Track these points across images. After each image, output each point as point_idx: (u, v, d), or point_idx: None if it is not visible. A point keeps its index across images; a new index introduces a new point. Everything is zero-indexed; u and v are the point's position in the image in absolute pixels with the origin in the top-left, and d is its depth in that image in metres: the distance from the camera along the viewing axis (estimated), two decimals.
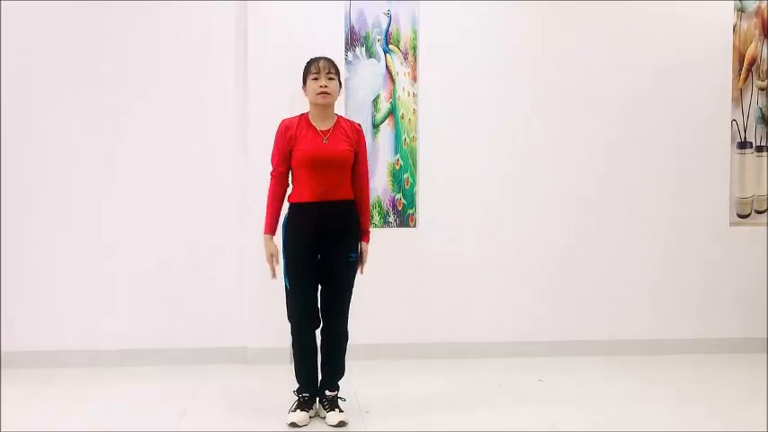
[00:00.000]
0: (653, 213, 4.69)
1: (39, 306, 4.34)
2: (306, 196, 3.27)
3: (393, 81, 4.54)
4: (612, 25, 4.63)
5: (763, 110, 4.79)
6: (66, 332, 4.35)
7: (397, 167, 4.56)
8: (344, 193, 3.33)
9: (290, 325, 3.40)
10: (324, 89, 3.27)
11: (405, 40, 4.53)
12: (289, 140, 3.31)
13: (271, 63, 4.34)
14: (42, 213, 4.34)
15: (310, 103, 3.35)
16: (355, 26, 4.50)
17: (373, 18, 4.51)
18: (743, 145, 4.78)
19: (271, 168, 3.39)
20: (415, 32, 4.53)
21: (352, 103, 4.49)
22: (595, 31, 4.63)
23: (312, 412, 3.39)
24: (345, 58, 4.45)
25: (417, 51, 4.53)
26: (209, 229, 4.43)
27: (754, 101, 4.77)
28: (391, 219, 4.55)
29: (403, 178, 4.57)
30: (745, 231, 4.77)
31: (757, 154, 4.80)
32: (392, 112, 4.55)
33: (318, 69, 3.28)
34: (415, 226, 4.58)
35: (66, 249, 4.35)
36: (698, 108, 4.69)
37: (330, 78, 3.29)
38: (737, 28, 4.73)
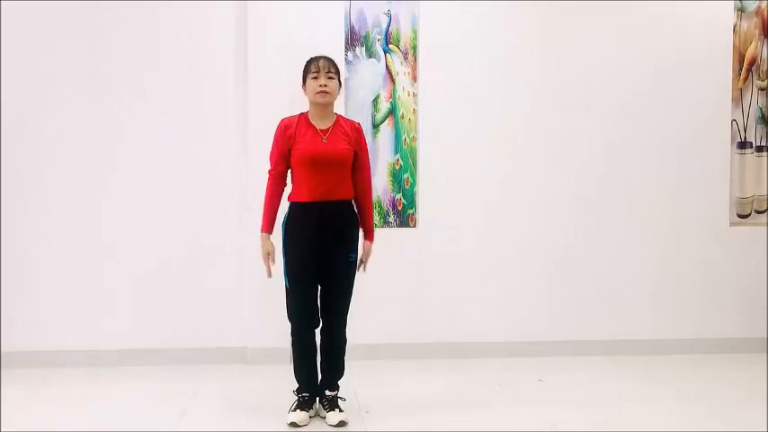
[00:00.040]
0: (653, 213, 4.69)
1: (39, 306, 4.34)
2: (306, 196, 3.27)
3: (393, 81, 4.54)
4: (612, 25, 4.63)
5: (763, 110, 4.79)
6: (65, 332, 4.35)
7: (397, 167, 4.56)
8: (344, 192, 3.33)
9: (289, 325, 3.40)
10: (323, 88, 3.27)
11: (405, 40, 4.53)
12: (288, 139, 3.30)
13: (271, 63, 4.34)
14: (42, 213, 4.34)
15: (310, 103, 3.35)
16: (355, 26, 4.50)
17: (373, 18, 4.51)
18: (743, 145, 4.78)
19: (269, 167, 3.38)
20: (415, 32, 4.53)
21: (352, 103, 4.49)
22: (595, 31, 4.63)
23: (312, 412, 3.39)
24: (345, 58, 4.45)
25: (417, 51, 4.53)
26: (209, 229, 4.43)
27: (754, 101, 4.77)
28: (391, 219, 4.55)
29: (403, 178, 4.57)
30: (745, 231, 4.77)
31: (757, 154, 4.80)
32: (392, 111, 4.55)
33: (318, 68, 3.28)
34: (415, 226, 4.58)
35: (66, 249, 4.35)
36: (698, 108, 4.69)
37: (330, 77, 3.29)
38: (737, 28, 4.73)
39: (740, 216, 4.78)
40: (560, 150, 4.63)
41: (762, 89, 4.78)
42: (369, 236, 3.46)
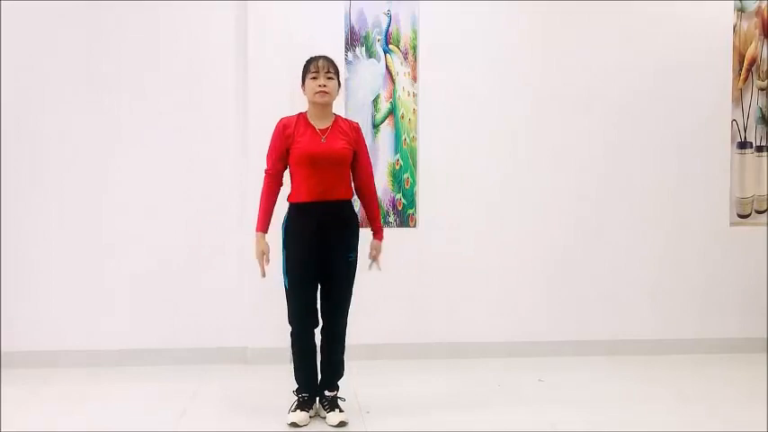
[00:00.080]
0: (653, 213, 4.69)
1: (39, 306, 4.34)
2: (305, 196, 3.27)
3: (393, 81, 4.54)
4: (612, 25, 4.63)
5: (763, 110, 4.79)
6: (65, 332, 4.35)
7: (397, 167, 4.56)
8: (343, 192, 3.33)
9: (289, 325, 3.40)
10: (322, 88, 3.27)
11: (405, 40, 4.53)
12: (286, 139, 3.30)
13: (271, 63, 4.34)
14: (42, 213, 4.34)
15: (309, 102, 3.35)
16: (355, 26, 4.50)
17: (373, 18, 4.51)
18: (743, 145, 4.78)
19: (266, 167, 3.38)
20: (415, 32, 4.53)
21: (352, 103, 4.49)
22: (595, 31, 4.63)
23: (312, 412, 3.38)
24: (345, 58, 4.45)
25: (417, 51, 4.53)
26: (209, 229, 4.43)
27: (754, 101, 4.77)
28: (391, 219, 4.55)
29: (403, 178, 4.57)
30: (745, 231, 4.77)
31: (757, 154, 4.80)
32: (392, 111, 4.55)
33: (317, 68, 3.28)
34: (415, 226, 4.58)
35: (66, 249, 4.35)
36: (698, 108, 4.69)
37: (329, 78, 3.29)
38: (737, 28, 4.73)
39: (740, 216, 4.78)
40: (560, 150, 4.63)
41: (762, 89, 4.78)
42: (377, 234, 3.46)
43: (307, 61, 3.35)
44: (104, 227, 4.37)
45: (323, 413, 3.38)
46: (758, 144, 4.80)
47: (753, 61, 4.76)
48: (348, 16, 4.48)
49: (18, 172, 4.33)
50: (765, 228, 4.77)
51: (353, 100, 4.49)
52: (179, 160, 4.41)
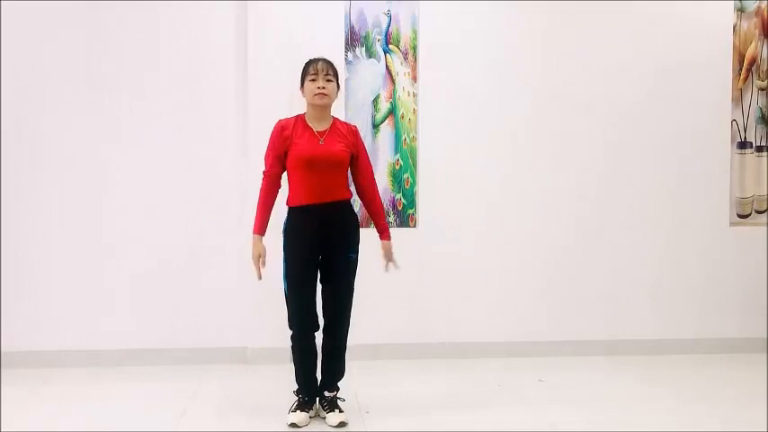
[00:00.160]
0: (653, 213, 4.69)
1: (39, 306, 4.34)
2: (304, 199, 3.27)
3: (393, 81, 4.54)
4: (612, 25, 4.63)
5: (763, 110, 4.79)
6: (66, 332, 4.35)
7: (397, 167, 4.56)
8: (342, 193, 3.33)
9: (289, 329, 3.39)
10: (321, 90, 3.26)
11: (405, 40, 4.53)
12: (284, 141, 3.29)
13: (271, 63, 4.34)
14: (42, 213, 4.34)
15: (307, 104, 3.34)
16: (355, 26, 4.50)
17: (373, 18, 4.51)
18: (743, 145, 4.78)
19: (264, 168, 3.37)
20: (415, 32, 4.53)
21: (352, 103, 4.49)
22: (595, 31, 4.63)
23: (312, 412, 3.39)
24: (345, 58, 4.45)
25: (417, 51, 4.53)
26: (209, 229, 4.43)
27: (754, 101, 4.77)
28: (391, 219, 4.55)
29: (403, 178, 4.57)
30: (745, 231, 4.77)
31: (757, 154, 4.80)
32: (392, 112, 4.55)
33: (317, 71, 3.27)
34: (415, 226, 4.58)
35: (66, 249, 4.35)
36: (698, 108, 4.69)
37: (328, 80, 3.29)
38: (737, 28, 4.73)
39: (740, 216, 4.78)
40: (560, 150, 4.63)
41: (762, 89, 4.78)
42: (383, 235, 3.46)
43: (306, 63, 3.34)
44: (104, 227, 4.37)
45: (323, 413, 3.38)
46: (758, 144, 4.80)
47: (753, 61, 4.76)
48: (348, 16, 4.48)
49: (18, 172, 4.33)
50: (765, 228, 4.77)
51: (353, 100, 4.49)
52: (179, 160, 4.41)
